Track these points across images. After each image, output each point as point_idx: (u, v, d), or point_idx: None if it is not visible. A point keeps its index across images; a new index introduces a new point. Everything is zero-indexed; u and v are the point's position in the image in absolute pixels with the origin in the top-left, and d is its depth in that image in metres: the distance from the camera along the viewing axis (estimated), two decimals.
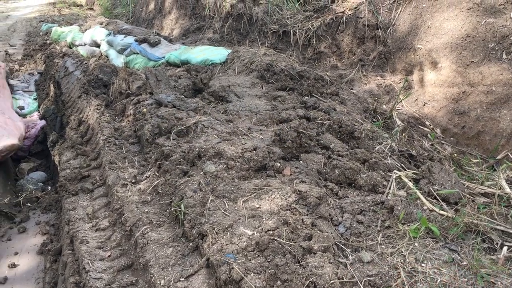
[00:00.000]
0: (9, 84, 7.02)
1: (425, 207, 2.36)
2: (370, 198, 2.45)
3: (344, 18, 5.86)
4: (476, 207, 2.39)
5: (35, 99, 6.47)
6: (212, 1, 7.96)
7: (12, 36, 11.69)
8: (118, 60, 6.57)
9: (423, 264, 1.96)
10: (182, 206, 2.41)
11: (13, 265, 2.98)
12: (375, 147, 3.18)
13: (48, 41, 9.64)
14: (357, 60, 5.62)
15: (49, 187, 4.06)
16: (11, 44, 10.63)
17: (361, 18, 5.62)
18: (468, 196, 2.59)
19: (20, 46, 10.41)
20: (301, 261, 1.94)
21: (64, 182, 3.18)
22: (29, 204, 3.81)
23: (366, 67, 5.44)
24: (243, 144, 2.96)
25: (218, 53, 5.62)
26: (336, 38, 5.96)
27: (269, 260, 1.94)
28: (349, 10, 5.86)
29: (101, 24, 8.30)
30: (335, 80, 4.96)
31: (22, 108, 6.07)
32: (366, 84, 5.25)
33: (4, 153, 3.91)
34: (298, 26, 6.40)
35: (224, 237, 2.12)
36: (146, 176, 3.04)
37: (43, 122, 4.67)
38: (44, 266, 2.93)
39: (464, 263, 1.99)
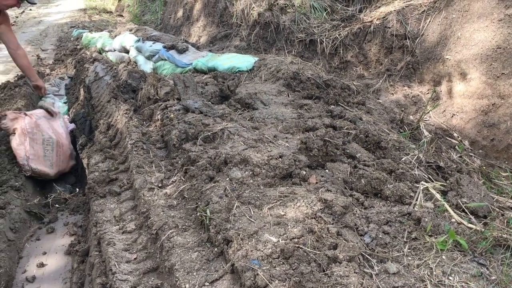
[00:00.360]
0: None
1: (453, 220, 2.33)
2: (396, 209, 2.42)
3: (372, 27, 5.84)
4: (505, 221, 2.34)
5: (65, 102, 6.61)
6: (240, 9, 8.03)
7: (44, 41, 11.99)
8: (146, 66, 6.67)
9: (450, 277, 1.94)
10: (207, 211, 2.44)
11: (42, 265, 3.05)
12: (402, 158, 3.15)
13: (78, 47, 9.85)
14: (384, 70, 5.59)
15: (77, 189, 4.14)
16: (43, 48, 10.90)
17: (389, 28, 5.59)
18: (498, 209, 2.54)
19: (51, 51, 10.67)
20: (326, 270, 1.93)
21: (93, 184, 3.25)
22: (57, 205, 3.90)
23: (393, 77, 5.40)
24: (269, 151, 2.97)
25: (245, 61, 5.66)
26: (363, 47, 5.94)
27: (294, 268, 1.94)
28: (377, 20, 5.84)
29: (130, 30, 8.45)
30: (362, 89, 4.93)
31: None
32: (393, 94, 5.22)
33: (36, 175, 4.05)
34: (325, 35, 6.41)
35: (249, 243, 2.13)
36: (172, 181, 3.07)
37: (72, 125, 4.77)
38: (72, 266, 2.99)
39: (493, 277, 1.95)
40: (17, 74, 7.18)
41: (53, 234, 3.43)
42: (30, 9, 20.10)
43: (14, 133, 4.07)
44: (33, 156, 3.98)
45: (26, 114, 4.24)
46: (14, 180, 3.75)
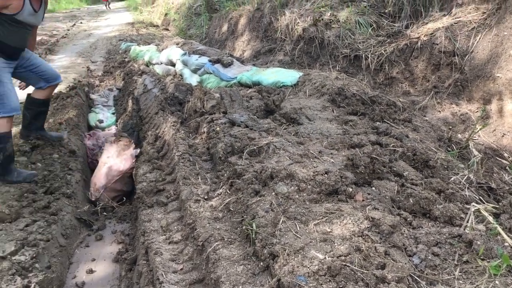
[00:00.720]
0: (90, 99, 7.49)
1: (506, 244, 2.26)
2: (446, 230, 2.37)
3: (419, 44, 5.77)
4: None
5: (113, 113, 6.83)
6: (284, 24, 8.10)
7: (94, 53, 12.43)
8: (191, 79, 6.81)
9: None
10: (253, 225, 2.46)
11: (91, 271, 3.14)
12: (451, 178, 3.08)
13: (126, 59, 10.15)
14: (431, 87, 5.49)
15: (124, 198, 4.25)
16: (93, 60, 11.30)
17: (437, 44, 5.51)
18: None
19: (100, 63, 11.04)
20: None
21: (141, 194, 3.34)
22: (105, 213, 4.01)
23: (441, 94, 5.30)
24: (314, 167, 2.98)
25: (290, 76, 5.69)
26: (410, 63, 5.87)
27: (341, 286, 1.93)
28: (424, 36, 5.76)
29: (177, 44, 8.66)
30: (408, 106, 4.86)
31: (101, 121, 6.42)
32: (440, 111, 5.12)
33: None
34: (370, 50, 6.37)
35: (295, 259, 2.13)
36: (218, 193, 3.12)
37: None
38: (120, 274, 3.07)
39: None
40: (69, 85, 7.47)
41: (101, 241, 3.54)
42: (81, 22, 20.96)
43: (105, 164, 4.29)
44: (105, 187, 4.16)
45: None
46: (65, 187, 3.89)
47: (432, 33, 5.70)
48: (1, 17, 3.53)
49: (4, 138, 3.78)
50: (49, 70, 4.35)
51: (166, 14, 19.22)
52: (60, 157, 4.45)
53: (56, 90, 7.06)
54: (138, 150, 4.40)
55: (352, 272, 1.98)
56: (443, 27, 5.57)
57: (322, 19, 7.43)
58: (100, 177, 4.21)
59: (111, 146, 4.54)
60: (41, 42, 13.21)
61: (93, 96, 7.59)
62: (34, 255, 2.87)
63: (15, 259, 2.82)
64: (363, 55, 6.37)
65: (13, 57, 3.92)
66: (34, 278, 2.67)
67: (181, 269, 2.54)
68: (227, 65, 6.47)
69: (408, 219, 2.50)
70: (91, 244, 3.51)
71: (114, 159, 4.31)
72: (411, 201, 2.61)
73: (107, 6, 31.56)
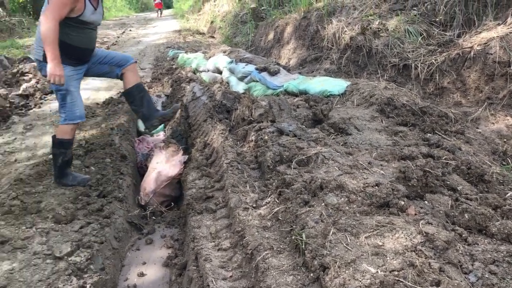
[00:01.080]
0: None
1: None
2: (504, 248, 2.29)
3: (471, 53, 5.61)
4: None
5: None
6: (331, 32, 8.07)
7: (142, 60, 12.76)
8: (238, 87, 6.89)
9: None
10: (303, 235, 2.46)
11: (142, 274, 3.22)
12: (507, 193, 2.97)
13: (174, 66, 10.37)
14: (484, 98, 5.33)
15: (172, 203, 4.34)
16: (141, 67, 11.59)
17: (491, 54, 5.34)
18: None
19: (149, 70, 11.32)
20: None
21: (191, 200, 3.40)
22: (154, 218, 4.11)
23: (495, 106, 5.13)
24: (364, 178, 2.95)
25: (337, 85, 5.66)
26: (462, 74, 5.71)
27: None
28: (477, 46, 5.60)
29: (224, 52, 8.79)
30: (460, 118, 4.74)
31: None
32: (494, 123, 4.95)
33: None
34: (420, 60, 6.25)
35: (347, 271, 2.12)
36: (266, 202, 3.14)
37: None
38: (170, 278, 3.13)
39: None
40: (119, 91, 7.70)
41: (151, 245, 3.62)
42: (130, 30, 21.58)
43: (154, 169, 4.41)
44: (154, 192, 4.27)
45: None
46: (118, 191, 4.02)
47: (486, 43, 5.53)
48: (68, 22, 3.62)
49: (67, 144, 3.94)
50: (118, 55, 4.30)
51: (212, 22, 19.53)
52: (112, 161, 4.60)
53: (107, 96, 7.33)
54: (186, 157, 4.49)
55: None
56: (497, 36, 5.39)
57: (370, 27, 7.36)
58: (149, 182, 4.32)
59: (160, 152, 4.65)
60: None
61: None
62: (89, 257, 2.97)
63: (71, 260, 2.93)
64: (413, 64, 6.25)
65: (84, 60, 3.96)
66: (89, 279, 2.77)
67: (231, 276, 2.57)
68: (273, 73, 6.50)
69: (463, 235, 2.43)
70: (141, 247, 3.60)
71: (163, 165, 4.42)
72: (466, 216, 2.54)
73: (159, 13, 32.10)
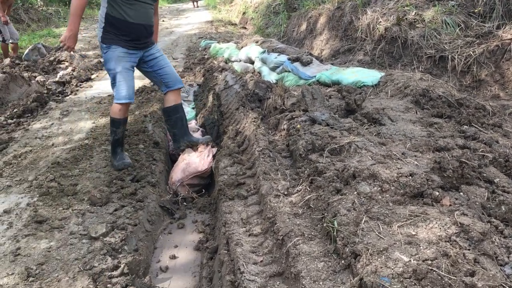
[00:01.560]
0: None
1: None
2: None
3: (511, 45, 5.44)
4: None
5: (193, 108, 7.06)
6: (366, 23, 7.96)
7: (175, 50, 12.87)
8: (269, 77, 6.88)
9: None
10: (335, 223, 2.45)
11: (173, 257, 3.28)
12: None
13: (206, 56, 10.43)
14: None
15: (203, 190, 4.39)
16: (174, 57, 11.70)
17: None
18: None
19: (181, 60, 11.41)
20: None
21: (223, 186, 3.44)
22: (185, 204, 4.17)
23: None
24: (398, 168, 2.91)
25: (371, 75, 5.59)
26: (500, 66, 5.55)
27: None
28: None
29: (256, 42, 8.78)
30: (498, 111, 4.61)
31: None
32: None
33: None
34: (457, 51, 6.10)
35: (379, 259, 2.10)
36: (298, 190, 3.14)
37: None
38: (201, 261, 3.18)
39: None
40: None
41: (183, 230, 3.68)
42: (163, 20, 21.78)
43: (183, 160, 4.49)
44: (181, 184, 4.34)
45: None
46: (150, 176, 4.09)
47: None
48: None
49: (117, 123, 4.12)
50: (171, 74, 4.33)
51: (244, 13, 19.50)
52: (145, 147, 4.69)
53: (140, 84, 7.45)
54: (215, 149, 4.51)
55: (439, 277, 1.93)
56: None
57: (406, 18, 7.21)
58: (177, 172, 4.36)
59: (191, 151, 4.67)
60: None
61: None
62: (123, 238, 3.05)
63: (106, 240, 3.01)
64: (449, 56, 6.11)
65: (137, 39, 4.00)
66: (123, 259, 2.84)
67: (261, 261, 2.59)
68: (306, 63, 6.45)
69: (500, 228, 2.38)
70: (173, 231, 3.66)
71: (194, 158, 4.44)
72: (503, 209, 2.49)
73: (196, 4, 32.05)
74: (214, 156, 4.43)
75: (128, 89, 4.00)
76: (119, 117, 4.09)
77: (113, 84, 4.03)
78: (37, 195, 3.65)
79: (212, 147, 4.62)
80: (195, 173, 4.31)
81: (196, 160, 4.40)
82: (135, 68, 4.17)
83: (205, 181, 4.50)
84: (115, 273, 2.68)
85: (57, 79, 7.92)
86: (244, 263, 2.53)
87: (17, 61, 8.93)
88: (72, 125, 5.52)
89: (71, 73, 8.23)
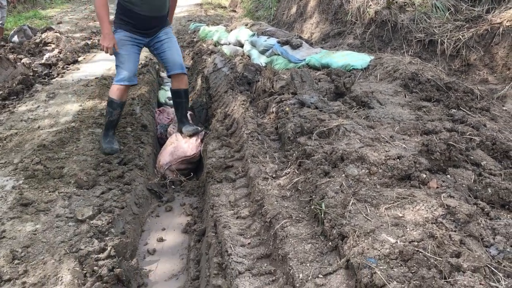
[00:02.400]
0: (160, 76, 7.71)
1: None
2: None
3: (500, 29, 5.44)
4: None
5: None
6: (356, 7, 7.90)
7: None
8: (259, 60, 6.82)
9: None
10: (323, 205, 2.45)
11: (161, 239, 3.28)
12: None
13: (195, 39, 10.32)
14: (511, 76, 5.18)
15: (192, 173, 4.37)
16: None
17: None
18: None
19: None
20: (448, 278, 1.86)
21: (211, 169, 3.42)
22: (173, 187, 4.15)
23: None
24: (386, 151, 2.91)
25: (360, 59, 5.57)
26: (490, 50, 5.56)
27: (413, 271, 1.89)
28: (507, 22, 5.42)
29: (246, 25, 8.69)
30: (486, 94, 4.62)
31: (170, 98, 6.60)
32: None
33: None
34: (446, 35, 6.09)
35: (366, 241, 2.11)
36: (286, 173, 3.13)
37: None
38: (188, 244, 3.18)
39: None
40: (141, 63, 7.71)
41: (171, 213, 3.67)
42: None
43: (172, 143, 4.48)
44: (169, 167, 4.30)
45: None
46: (138, 159, 4.06)
47: None
48: None
49: (114, 104, 4.14)
50: (170, 59, 4.31)
51: None
52: (132, 130, 4.64)
53: None
54: (203, 133, 4.48)
55: (425, 258, 1.94)
56: None
57: (396, 1, 7.17)
58: (165, 155, 4.34)
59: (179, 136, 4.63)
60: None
61: (163, 74, 7.81)
62: (110, 220, 3.03)
63: (93, 223, 2.99)
64: (439, 40, 6.10)
65: (140, 28, 4.08)
66: (110, 241, 2.82)
67: (249, 243, 2.59)
68: (295, 47, 6.41)
69: (486, 210, 2.39)
70: (161, 214, 3.65)
71: (182, 143, 4.41)
72: (490, 191, 2.50)
73: None
74: (202, 140, 4.41)
75: (129, 71, 4.06)
76: (116, 98, 4.12)
77: (116, 65, 4.13)
78: (23, 178, 3.60)
79: (201, 130, 4.59)
80: (183, 158, 4.29)
81: (184, 145, 4.38)
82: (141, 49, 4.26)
83: (193, 165, 4.48)
84: (101, 255, 2.66)
85: (43, 61, 7.78)
86: (231, 245, 2.53)
87: (2, 43, 8.76)
88: (58, 108, 5.44)
89: (57, 55, 8.09)
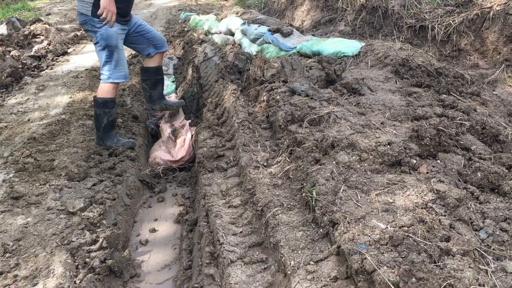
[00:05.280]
0: None
1: None
2: None
3: (491, 14, 5.43)
4: None
5: (173, 81, 6.96)
6: None
7: (154, 23, 12.58)
8: (250, 49, 6.78)
9: None
10: (314, 192, 2.46)
11: (153, 230, 3.27)
12: None
13: (185, 29, 10.23)
14: (502, 60, 5.19)
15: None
16: None
17: (511, 14, 5.17)
18: None
19: (160, 32, 11.15)
20: (438, 262, 1.87)
21: (202, 159, 3.41)
22: (166, 177, 4.14)
23: None
24: (377, 137, 2.92)
25: (351, 46, 5.55)
26: (480, 35, 5.56)
27: (403, 256, 1.90)
28: (497, 6, 5.42)
29: (236, 13, 8.63)
30: (476, 79, 4.63)
31: None
32: (511, 86, 4.84)
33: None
34: (437, 21, 6.08)
35: (356, 227, 2.12)
36: (277, 161, 3.13)
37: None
38: (181, 234, 3.18)
39: None
40: (131, 53, 7.64)
41: (163, 203, 3.67)
42: None
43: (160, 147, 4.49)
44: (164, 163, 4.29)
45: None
46: (129, 150, 4.04)
47: (506, 2, 5.34)
48: None
49: (111, 103, 3.92)
50: (157, 36, 4.32)
51: None
52: (123, 121, 4.62)
53: None
54: (193, 132, 4.44)
55: (415, 243, 1.95)
56: None
57: None
58: (156, 157, 4.30)
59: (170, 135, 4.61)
60: None
61: None
62: (101, 212, 3.02)
63: (84, 215, 2.98)
64: (430, 25, 6.08)
65: (126, 14, 3.89)
66: (102, 233, 2.82)
67: (241, 232, 2.60)
68: (286, 34, 6.38)
69: (475, 194, 2.41)
70: (153, 205, 3.65)
71: (170, 146, 4.43)
72: (479, 175, 2.51)
73: None
74: (197, 123, 4.40)
75: (126, 67, 3.97)
76: (113, 96, 3.94)
77: (109, 62, 3.82)
78: (13, 171, 3.58)
79: (191, 125, 4.55)
80: (171, 161, 4.27)
81: (172, 150, 4.37)
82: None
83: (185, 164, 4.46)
84: (93, 247, 2.66)
85: (32, 53, 7.70)
86: (223, 234, 2.53)
87: None
88: (48, 100, 5.39)
89: (46, 47, 8.01)
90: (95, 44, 3.85)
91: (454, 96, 3.95)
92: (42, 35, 8.86)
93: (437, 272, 1.80)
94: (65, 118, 4.69)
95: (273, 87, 4.08)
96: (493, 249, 2.01)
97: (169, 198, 3.74)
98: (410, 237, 1.98)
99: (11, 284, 2.37)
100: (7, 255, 2.60)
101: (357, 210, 2.26)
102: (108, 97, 3.90)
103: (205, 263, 2.45)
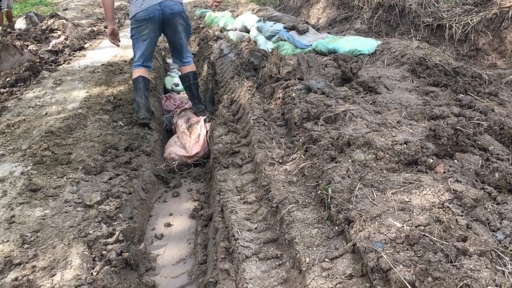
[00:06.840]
0: (166, 63, 7.70)
1: None
2: None
3: (510, 13, 5.37)
4: None
5: None
6: None
7: None
8: (265, 46, 6.79)
9: None
10: (329, 190, 2.46)
11: (168, 224, 3.30)
12: None
13: (201, 25, 10.28)
14: None
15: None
16: None
17: None
18: None
19: None
20: (454, 262, 1.86)
21: (218, 155, 3.43)
22: (180, 172, 4.17)
23: None
24: (393, 136, 2.90)
25: (367, 44, 5.52)
26: (499, 34, 5.50)
27: (419, 255, 1.89)
28: None
29: (252, 10, 8.64)
30: (494, 79, 4.58)
31: (177, 85, 6.59)
32: None
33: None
34: (455, 20, 6.02)
35: (372, 225, 2.12)
36: (292, 158, 3.14)
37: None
38: (196, 229, 3.20)
39: None
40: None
41: (178, 198, 3.69)
42: None
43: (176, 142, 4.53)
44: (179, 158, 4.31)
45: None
46: (145, 145, 4.08)
47: None
48: None
49: (136, 81, 4.59)
50: (180, 54, 4.87)
51: None
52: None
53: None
54: (208, 129, 4.46)
55: (431, 243, 1.94)
56: None
57: None
58: (171, 152, 4.32)
59: (185, 130, 4.63)
60: (120, 8, 13.66)
61: (169, 61, 7.80)
62: (118, 206, 3.05)
63: (101, 208, 3.02)
64: (447, 24, 6.04)
65: (144, 18, 4.41)
66: (118, 226, 2.85)
67: (256, 228, 2.60)
68: (302, 32, 6.37)
69: (493, 194, 2.39)
70: (168, 200, 3.67)
71: (186, 141, 4.44)
72: (497, 176, 2.49)
73: None
74: (211, 119, 4.42)
75: (143, 55, 4.71)
76: (135, 76, 4.65)
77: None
78: (31, 164, 3.63)
79: (206, 121, 4.56)
80: (186, 156, 4.29)
81: (190, 144, 4.39)
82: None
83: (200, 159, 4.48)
84: (110, 240, 2.69)
85: (49, 48, 7.80)
86: (238, 230, 2.54)
87: (8, 30, 8.78)
88: (65, 94, 5.46)
89: (63, 42, 8.10)
90: (186, 31, 4.72)
91: (471, 96, 3.91)
92: (59, 30, 8.97)
93: (453, 272, 1.79)
94: (82, 113, 4.74)
95: (289, 84, 4.07)
96: (510, 250, 1.99)
97: (184, 193, 3.76)
98: (427, 236, 1.97)
99: (29, 275, 2.41)
100: (26, 246, 2.64)
101: (373, 208, 2.26)
102: (133, 77, 4.62)
103: (220, 258, 2.47)
